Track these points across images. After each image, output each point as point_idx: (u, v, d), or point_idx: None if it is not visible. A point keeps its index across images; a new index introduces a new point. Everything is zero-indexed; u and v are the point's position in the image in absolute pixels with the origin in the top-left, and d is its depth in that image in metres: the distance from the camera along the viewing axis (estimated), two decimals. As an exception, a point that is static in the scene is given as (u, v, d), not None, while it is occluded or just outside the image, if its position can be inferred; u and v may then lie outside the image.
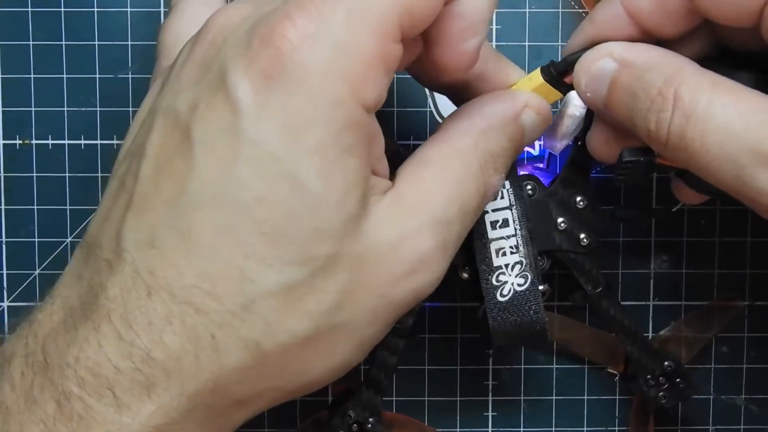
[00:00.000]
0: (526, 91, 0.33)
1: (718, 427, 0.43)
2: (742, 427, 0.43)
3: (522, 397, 0.43)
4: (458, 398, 0.43)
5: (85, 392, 0.27)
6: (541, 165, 0.41)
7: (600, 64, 0.32)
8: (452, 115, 0.33)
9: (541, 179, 0.37)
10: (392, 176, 0.31)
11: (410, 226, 0.29)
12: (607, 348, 0.42)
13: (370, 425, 0.38)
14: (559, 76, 0.33)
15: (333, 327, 0.29)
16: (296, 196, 0.27)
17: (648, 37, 0.32)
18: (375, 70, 0.28)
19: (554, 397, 0.43)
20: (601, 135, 0.34)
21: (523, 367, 0.43)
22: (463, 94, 0.34)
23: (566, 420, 0.43)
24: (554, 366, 0.43)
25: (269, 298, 0.28)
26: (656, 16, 0.32)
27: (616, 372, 0.43)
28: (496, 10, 0.41)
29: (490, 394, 0.43)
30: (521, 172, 0.37)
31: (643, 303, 0.43)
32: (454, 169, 0.31)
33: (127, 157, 0.30)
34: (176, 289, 0.27)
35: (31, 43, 0.41)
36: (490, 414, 0.43)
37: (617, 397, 0.43)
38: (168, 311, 0.27)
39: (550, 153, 0.41)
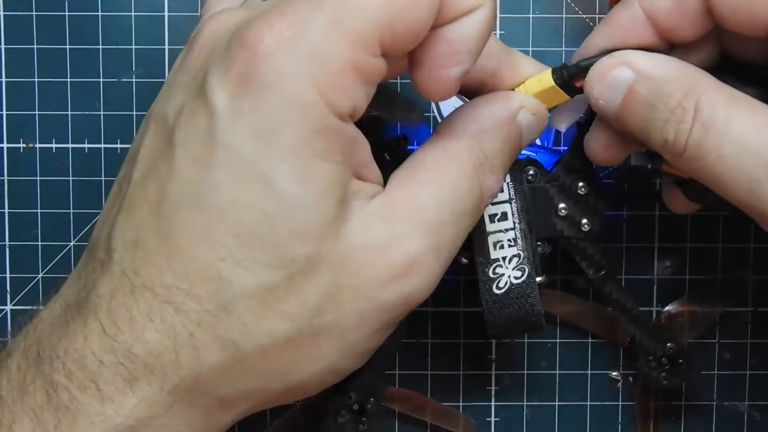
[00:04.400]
0: (521, 94, 0.33)
1: (721, 433, 0.43)
2: (744, 433, 0.43)
3: (524, 403, 0.43)
4: (461, 404, 0.43)
5: (71, 383, 0.28)
6: (537, 142, 0.40)
7: (616, 73, 0.32)
8: (447, 118, 0.33)
9: (544, 160, 0.37)
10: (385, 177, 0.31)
11: (400, 229, 0.29)
12: (609, 322, 0.42)
13: (370, 406, 0.38)
14: (571, 79, 0.33)
15: (315, 329, 0.29)
16: (270, 199, 0.28)
17: (663, 41, 0.32)
18: (348, 79, 0.28)
19: (557, 403, 0.43)
20: (601, 139, 0.34)
21: (525, 372, 0.43)
22: (475, 92, 0.34)
23: (569, 425, 0.43)
24: (557, 371, 0.43)
25: (246, 299, 0.28)
26: (675, 18, 0.31)
27: (622, 345, 0.42)
28: (499, 15, 0.41)
29: (493, 400, 0.43)
30: (522, 156, 0.36)
31: (647, 308, 0.42)
32: (448, 172, 0.31)
33: (126, 161, 0.31)
34: (158, 288, 0.28)
35: (35, 46, 0.41)
36: (492, 419, 0.43)
37: (620, 403, 0.43)
38: (149, 309, 0.28)
39: (555, 131, 0.41)
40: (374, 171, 0.31)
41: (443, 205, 0.30)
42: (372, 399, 0.38)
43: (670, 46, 0.32)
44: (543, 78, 0.33)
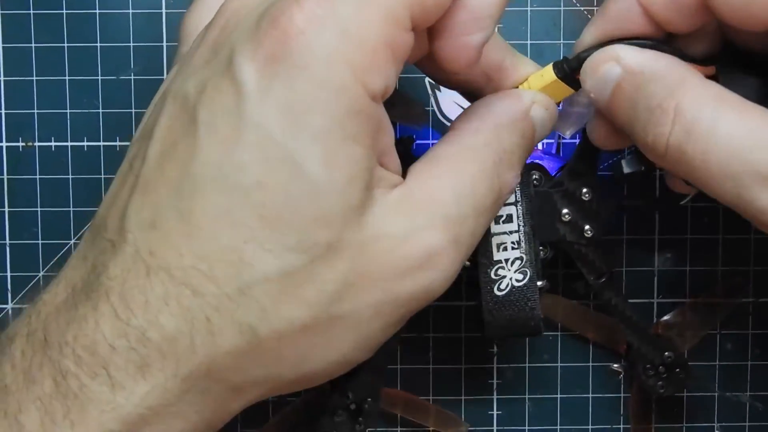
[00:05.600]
0: (530, 90, 0.33)
1: (723, 424, 0.43)
2: (746, 424, 0.43)
3: (527, 396, 0.43)
4: (463, 397, 0.43)
5: (81, 370, 0.27)
6: (539, 146, 0.40)
7: (606, 68, 0.31)
8: (461, 115, 0.33)
9: (549, 166, 0.37)
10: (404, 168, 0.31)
11: (419, 221, 0.29)
12: (610, 330, 0.42)
13: (367, 406, 0.38)
14: (572, 72, 0.33)
15: (332, 318, 0.29)
16: (297, 182, 0.27)
17: (660, 31, 0.32)
18: (382, 58, 0.27)
19: (559, 396, 0.43)
20: (602, 128, 0.34)
21: (527, 365, 0.43)
22: (478, 90, 0.34)
23: (571, 418, 0.43)
24: (559, 364, 0.43)
25: (266, 283, 0.27)
26: (670, 10, 0.31)
27: (619, 352, 0.43)
28: (498, 9, 0.41)
29: (495, 393, 0.43)
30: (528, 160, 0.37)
31: (647, 300, 0.43)
32: (467, 167, 0.31)
33: (138, 139, 0.30)
34: (175, 270, 0.27)
35: (33, 45, 0.41)
36: (495, 413, 0.43)
37: (622, 394, 0.43)
38: (165, 292, 0.27)
39: (560, 138, 0.41)
40: (395, 161, 0.30)
41: (463, 200, 0.30)
42: (369, 399, 0.38)
43: (668, 34, 0.32)
44: (545, 73, 0.33)
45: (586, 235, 0.37)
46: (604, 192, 0.37)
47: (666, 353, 0.39)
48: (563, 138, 0.41)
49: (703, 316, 0.42)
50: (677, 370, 0.39)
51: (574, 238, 0.37)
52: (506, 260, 0.35)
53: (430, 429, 0.43)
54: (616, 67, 0.31)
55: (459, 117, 0.32)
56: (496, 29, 0.31)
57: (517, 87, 0.33)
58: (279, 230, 0.27)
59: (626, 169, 0.33)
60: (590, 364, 0.43)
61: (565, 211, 0.37)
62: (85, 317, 0.28)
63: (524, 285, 0.35)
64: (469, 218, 0.30)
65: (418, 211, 0.29)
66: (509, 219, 0.35)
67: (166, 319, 0.27)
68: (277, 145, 0.27)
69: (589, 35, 0.33)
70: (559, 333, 0.43)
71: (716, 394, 0.43)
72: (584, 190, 0.37)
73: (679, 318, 0.42)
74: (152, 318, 0.27)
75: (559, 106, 0.35)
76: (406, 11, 0.28)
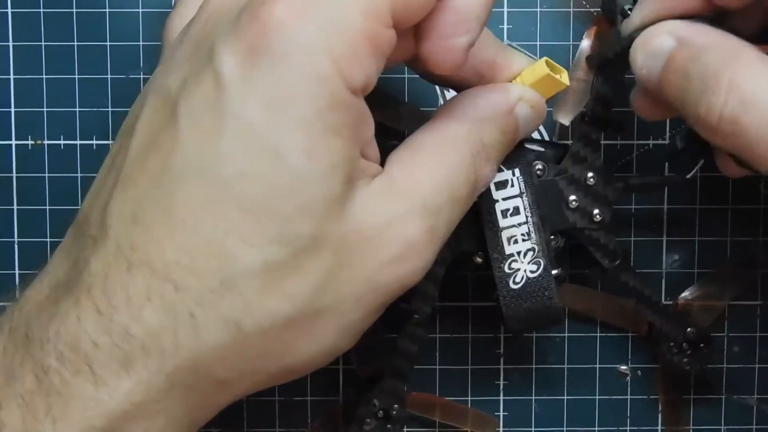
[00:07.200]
0: (520, 85, 0.33)
1: (730, 427, 0.43)
2: (754, 427, 0.43)
3: (533, 397, 0.43)
4: (469, 398, 0.43)
5: (63, 367, 0.27)
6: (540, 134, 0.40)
7: (658, 41, 0.31)
8: (447, 103, 0.33)
9: (550, 154, 0.37)
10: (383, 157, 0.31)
11: (399, 211, 0.29)
12: (623, 311, 0.42)
13: (395, 412, 0.38)
14: (623, 52, 0.33)
15: (316, 310, 0.28)
16: (278, 172, 0.27)
17: (711, 9, 0.32)
18: (362, 51, 0.28)
19: (565, 397, 0.43)
20: (646, 101, 0.34)
21: (534, 367, 0.43)
22: (470, 87, 0.34)
23: (578, 420, 0.43)
24: (565, 366, 0.43)
25: (250, 277, 0.27)
26: None
27: (640, 334, 0.42)
28: (507, 10, 0.41)
29: (501, 394, 0.43)
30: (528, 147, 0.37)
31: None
32: (446, 157, 0.31)
33: (120, 136, 0.30)
34: (157, 264, 0.27)
35: (43, 43, 0.42)
36: (501, 414, 0.43)
37: (628, 396, 0.43)
38: (148, 287, 0.27)
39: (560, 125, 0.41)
40: (375, 150, 0.30)
41: (441, 190, 0.30)
42: (396, 405, 0.38)
43: (715, 14, 0.32)
44: (537, 68, 0.33)
45: (595, 219, 0.37)
46: (610, 172, 0.37)
47: (689, 329, 0.39)
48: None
49: (718, 290, 0.42)
50: (701, 345, 0.39)
51: (584, 224, 0.37)
52: (518, 253, 0.35)
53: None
54: (669, 39, 0.31)
55: (444, 105, 0.33)
56: (486, 26, 0.31)
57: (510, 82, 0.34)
58: (261, 222, 0.27)
59: (681, 145, 0.33)
60: (597, 365, 0.43)
61: (572, 198, 0.37)
62: (67, 313, 0.27)
63: (539, 276, 0.35)
64: (445, 209, 0.30)
65: (398, 200, 0.29)
66: (516, 211, 0.35)
67: (149, 315, 0.27)
68: (258, 136, 0.27)
69: (639, 16, 0.33)
70: (566, 334, 0.43)
71: (723, 396, 0.43)
72: (589, 174, 0.37)
73: (695, 293, 0.42)
74: (135, 314, 0.27)
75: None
76: (387, 7, 0.28)
